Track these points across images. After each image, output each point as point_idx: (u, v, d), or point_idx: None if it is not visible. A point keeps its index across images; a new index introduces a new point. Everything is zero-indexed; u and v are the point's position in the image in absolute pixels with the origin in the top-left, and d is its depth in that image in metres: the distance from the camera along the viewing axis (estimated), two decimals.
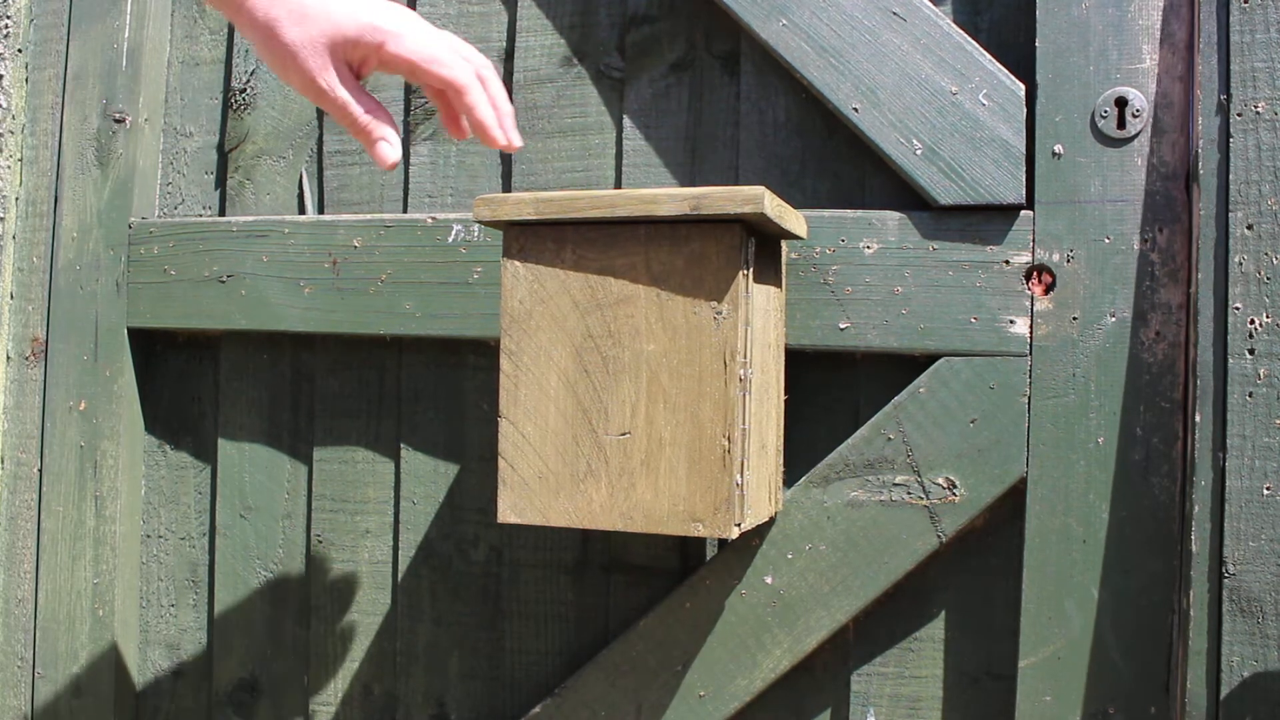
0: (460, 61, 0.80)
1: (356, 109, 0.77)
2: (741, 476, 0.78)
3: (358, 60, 0.80)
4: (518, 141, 0.82)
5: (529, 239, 0.82)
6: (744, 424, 0.78)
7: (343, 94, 0.77)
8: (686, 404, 0.78)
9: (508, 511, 0.82)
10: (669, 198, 0.77)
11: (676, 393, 0.78)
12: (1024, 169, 0.87)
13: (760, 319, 0.82)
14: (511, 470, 0.82)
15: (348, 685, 1.07)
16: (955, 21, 0.91)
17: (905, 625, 0.92)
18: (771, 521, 0.91)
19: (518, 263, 0.82)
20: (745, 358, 0.78)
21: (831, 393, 0.94)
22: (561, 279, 0.81)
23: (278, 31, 0.79)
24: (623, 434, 0.79)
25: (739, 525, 0.78)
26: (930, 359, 0.89)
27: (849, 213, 0.91)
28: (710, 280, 0.78)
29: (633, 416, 0.79)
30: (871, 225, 0.90)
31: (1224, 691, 0.78)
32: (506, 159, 1.04)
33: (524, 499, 0.81)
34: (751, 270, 0.79)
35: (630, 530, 0.79)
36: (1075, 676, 0.85)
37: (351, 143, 1.09)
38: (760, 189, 0.74)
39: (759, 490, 0.83)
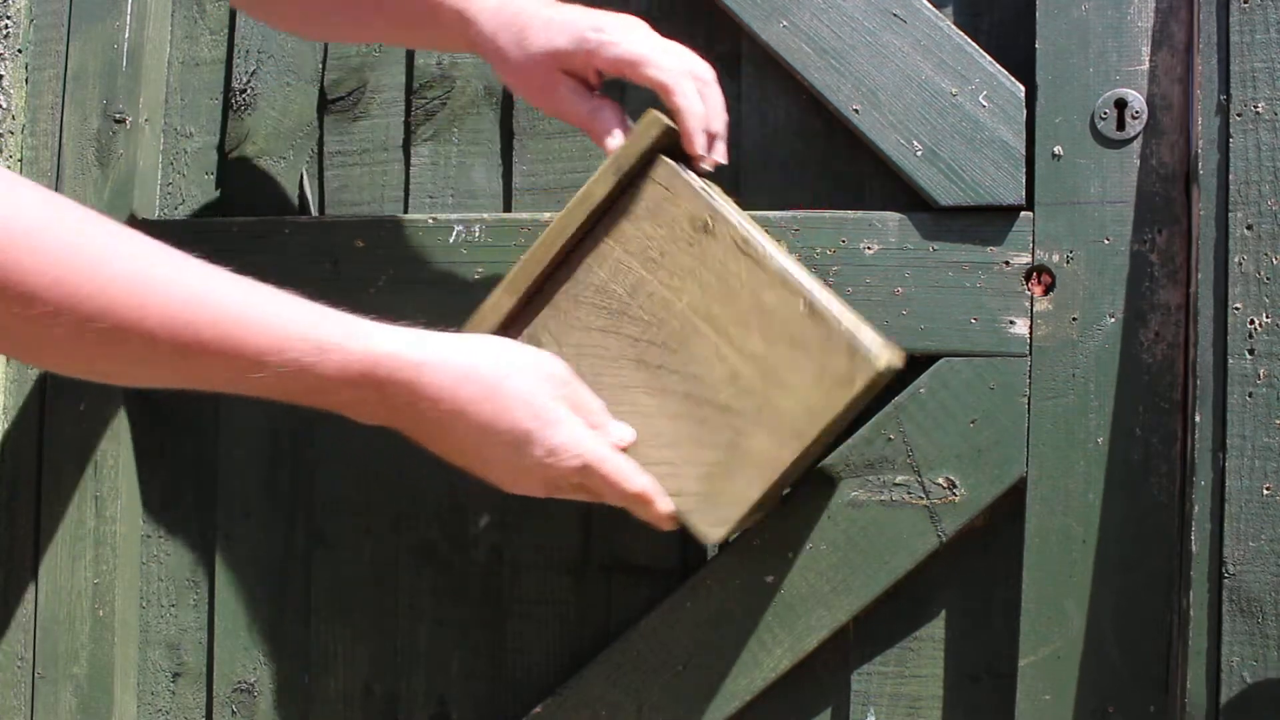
0: (670, 62, 0.80)
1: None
2: (839, 315, 0.76)
3: (580, 70, 0.82)
4: (721, 157, 0.83)
5: (524, 315, 0.83)
6: (795, 273, 0.77)
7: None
8: (748, 306, 0.77)
9: (716, 532, 0.80)
10: (590, 192, 0.80)
11: (732, 306, 0.78)
12: (1024, 170, 0.87)
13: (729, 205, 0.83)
14: (690, 498, 0.80)
15: (348, 685, 1.07)
16: (956, 23, 0.91)
17: (906, 624, 0.92)
18: (773, 521, 0.91)
19: (544, 337, 0.83)
20: (749, 227, 0.78)
21: None
22: (578, 327, 0.81)
23: (505, 58, 0.83)
24: (731, 378, 0.78)
25: (884, 347, 0.76)
26: (930, 359, 0.90)
27: (849, 213, 0.91)
28: (677, 209, 0.79)
29: (721, 361, 0.78)
30: (872, 226, 0.90)
31: (1224, 691, 0.79)
32: (508, 160, 1.04)
33: (712, 508, 0.79)
34: (694, 174, 0.81)
35: (811, 436, 0.76)
36: (1075, 675, 0.85)
37: (352, 143, 1.09)
38: (652, 112, 0.78)
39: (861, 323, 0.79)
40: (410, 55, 1.07)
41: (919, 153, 0.89)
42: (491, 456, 0.75)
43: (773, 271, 0.78)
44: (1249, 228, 0.79)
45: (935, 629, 0.92)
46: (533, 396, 0.74)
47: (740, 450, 0.78)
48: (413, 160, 1.07)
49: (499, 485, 0.78)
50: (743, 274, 0.78)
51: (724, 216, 0.79)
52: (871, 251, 0.90)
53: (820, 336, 0.76)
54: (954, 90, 0.89)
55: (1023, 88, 0.88)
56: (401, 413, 0.72)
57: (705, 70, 0.83)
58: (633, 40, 0.81)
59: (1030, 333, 0.87)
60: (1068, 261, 0.86)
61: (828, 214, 0.92)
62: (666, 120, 0.79)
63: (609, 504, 0.80)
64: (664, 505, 0.79)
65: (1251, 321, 0.79)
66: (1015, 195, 0.87)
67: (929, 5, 0.90)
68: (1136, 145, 0.85)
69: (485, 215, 1.01)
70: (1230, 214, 0.80)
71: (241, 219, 1.08)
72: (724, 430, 0.78)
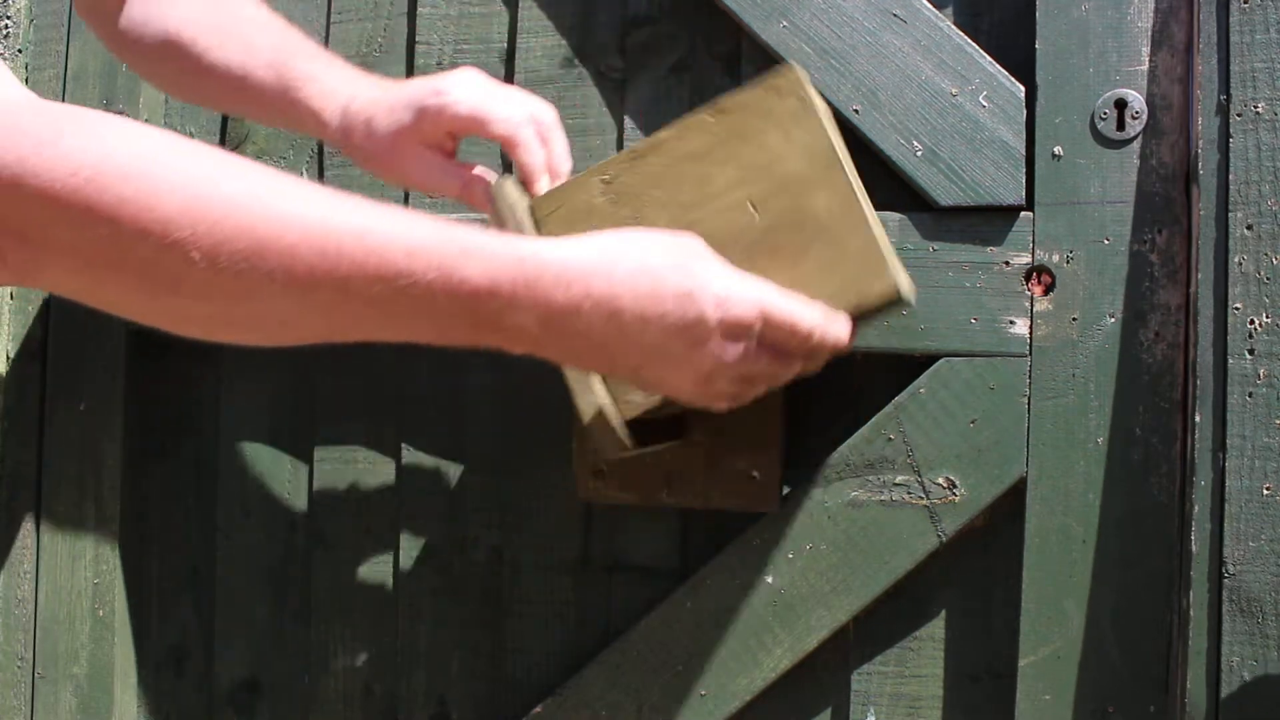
0: (509, 113, 0.81)
1: None
2: (742, 90, 0.77)
3: (433, 138, 0.84)
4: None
5: None
6: None
7: None
8: (691, 164, 0.77)
9: (887, 281, 0.74)
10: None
11: (685, 179, 0.77)
12: (1024, 170, 0.87)
13: None
14: (841, 297, 0.75)
15: (348, 685, 1.07)
16: (956, 23, 0.91)
17: (906, 624, 0.92)
18: (773, 521, 0.91)
19: None
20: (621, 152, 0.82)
21: (832, 393, 0.94)
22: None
23: (361, 150, 0.86)
24: (749, 206, 0.76)
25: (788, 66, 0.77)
26: (930, 359, 0.90)
27: None
28: (584, 202, 0.80)
29: (732, 210, 0.76)
30: None
31: (1224, 691, 0.79)
32: (508, 164, 1.04)
33: (860, 276, 0.75)
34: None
35: (837, 155, 0.75)
36: (1075, 675, 0.85)
37: None
38: (496, 180, 0.83)
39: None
40: (410, 53, 1.07)
41: (919, 153, 0.89)
42: (660, 344, 0.68)
43: (676, 127, 0.78)
44: (1249, 228, 0.79)
45: (935, 629, 0.92)
46: (682, 260, 0.69)
47: (819, 225, 0.75)
48: None
49: (677, 387, 0.71)
50: (660, 158, 0.78)
51: (604, 164, 0.80)
52: None
53: (755, 111, 0.76)
54: (954, 90, 0.89)
55: (1023, 88, 0.88)
56: (553, 320, 0.65)
57: (546, 113, 0.85)
58: (472, 98, 0.81)
59: (1030, 333, 0.87)
60: (1068, 261, 0.86)
61: None
62: (513, 178, 0.82)
63: (788, 375, 0.74)
64: (838, 326, 0.74)
65: (1251, 321, 0.79)
66: (1015, 195, 0.87)
67: (929, 5, 0.90)
68: (1136, 145, 0.85)
69: (485, 215, 1.00)
70: (1230, 214, 0.80)
71: None
72: (794, 234, 0.75)
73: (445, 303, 0.62)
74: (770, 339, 0.71)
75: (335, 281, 0.58)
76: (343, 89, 0.86)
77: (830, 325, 0.73)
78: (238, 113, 1.00)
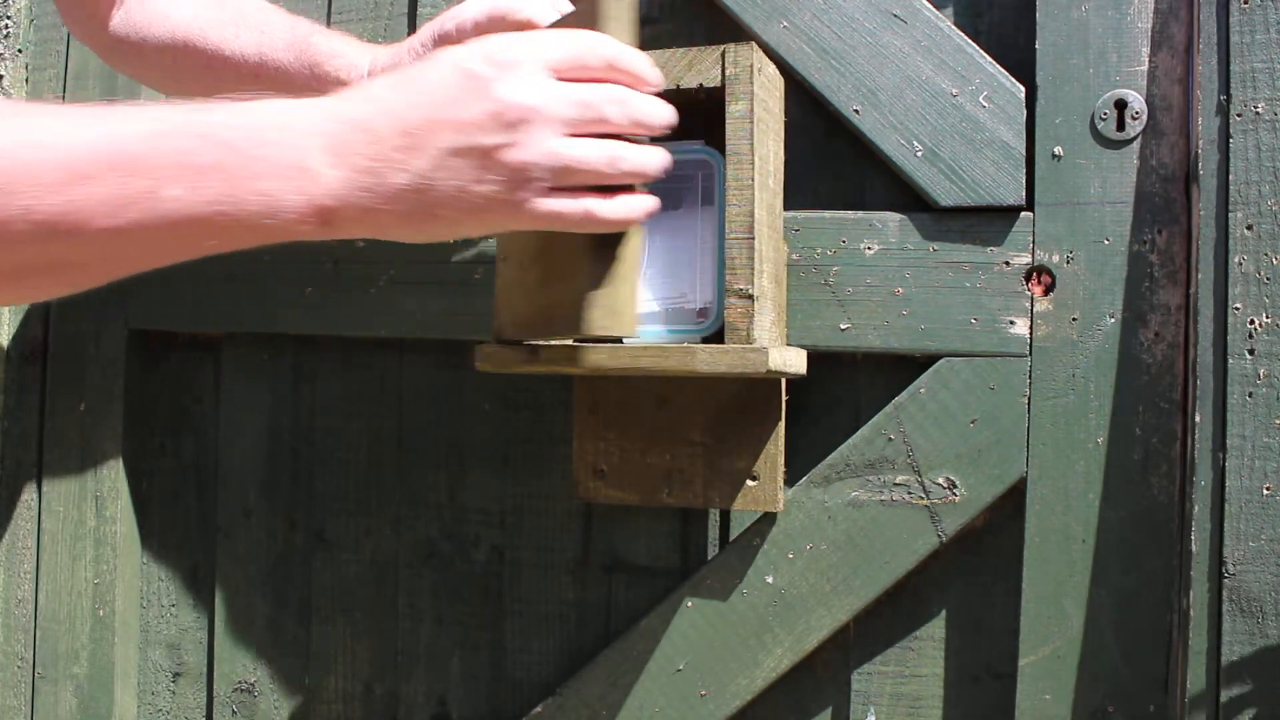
0: (524, 2, 0.81)
1: None
2: None
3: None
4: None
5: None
6: None
7: None
8: None
9: None
10: None
11: None
12: (1024, 170, 0.87)
13: None
14: None
15: (348, 685, 1.07)
16: (956, 23, 0.91)
17: (906, 624, 0.92)
18: (773, 521, 0.92)
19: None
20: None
21: (832, 393, 0.94)
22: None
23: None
24: None
25: None
26: (930, 359, 0.90)
27: (850, 214, 0.91)
28: None
29: None
30: (872, 226, 0.90)
31: (1223, 691, 0.79)
32: None
33: None
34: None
35: None
36: (1075, 675, 0.85)
37: None
38: None
39: None
40: None
41: (919, 153, 0.89)
42: (464, 115, 0.62)
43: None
44: (1249, 228, 0.79)
45: (935, 629, 0.92)
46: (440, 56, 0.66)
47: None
48: None
49: (501, 171, 0.63)
50: None
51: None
52: (872, 252, 0.90)
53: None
54: (954, 91, 0.89)
55: (1023, 88, 0.88)
56: (372, 155, 0.62)
57: None
58: (483, 4, 0.81)
59: (1030, 333, 0.87)
60: (1068, 262, 0.86)
61: (828, 214, 0.92)
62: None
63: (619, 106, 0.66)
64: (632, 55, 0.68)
65: (1251, 321, 0.79)
66: (1015, 195, 0.87)
67: (929, 5, 0.90)
68: (1136, 146, 0.85)
69: None
70: (1230, 214, 0.80)
71: None
72: None
73: (214, 175, 0.59)
74: (567, 65, 0.65)
75: (87, 195, 0.56)
76: (363, 59, 0.89)
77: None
78: None
